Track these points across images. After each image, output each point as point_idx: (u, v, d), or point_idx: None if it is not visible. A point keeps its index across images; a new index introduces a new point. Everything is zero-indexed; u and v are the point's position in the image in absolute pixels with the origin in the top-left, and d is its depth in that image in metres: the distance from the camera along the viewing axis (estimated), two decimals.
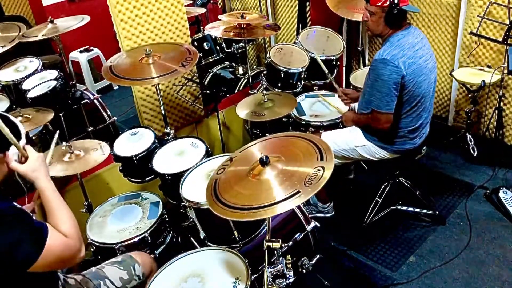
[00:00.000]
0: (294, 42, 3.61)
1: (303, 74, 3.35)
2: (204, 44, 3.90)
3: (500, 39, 3.21)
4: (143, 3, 2.92)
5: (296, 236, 2.30)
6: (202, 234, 2.29)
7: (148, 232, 2.33)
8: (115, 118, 3.31)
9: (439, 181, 3.36)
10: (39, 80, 3.09)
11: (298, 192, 1.56)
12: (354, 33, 4.08)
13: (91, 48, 4.96)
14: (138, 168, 2.66)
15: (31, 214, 1.52)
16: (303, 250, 2.32)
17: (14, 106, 3.03)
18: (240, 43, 3.96)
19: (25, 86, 3.06)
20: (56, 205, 1.57)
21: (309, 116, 3.11)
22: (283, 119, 3.13)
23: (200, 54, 3.72)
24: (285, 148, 1.86)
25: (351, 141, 2.71)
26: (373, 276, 2.67)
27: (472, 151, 3.48)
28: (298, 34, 3.77)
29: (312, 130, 3.00)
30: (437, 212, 2.97)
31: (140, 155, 2.62)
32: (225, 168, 1.89)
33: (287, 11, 4.37)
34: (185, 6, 3.22)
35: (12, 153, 1.52)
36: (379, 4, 2.41)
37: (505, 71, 3.11)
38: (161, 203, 2.51)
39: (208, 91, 3.59)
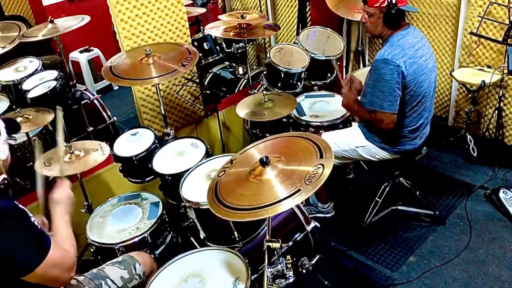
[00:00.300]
0: (294, 42, 3.61)
1: (303, 74, 3.35)
2: (204, 44, 3.90)
3: (500, 39, 3.21)
4: (143, 3, 2.92)
5: (296, 236, 2.29)
6: (202, 234, 2.29)
7: (148, 232, 2.33)
8: (115, 118, 3.31)
9: (439, 181, 3.36)
10: (39, 80, 3.09)
11: (299, 190, 1.56)
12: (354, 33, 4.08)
13: (91, 48, 4.96)
14: (138, 168, 2.66)
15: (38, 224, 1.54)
16: (303, 250, 2.31)
17: (14, 106, 3.04)
18: (240, 43, 3.96)
19: (25, 86, 3.06)
20: (60, 226, 1.69)
21: (309, 116, 3.11)
22: (283, 119, 3.13)
23: (200, 54, 3.72)
24: (285, 147, 1.86)
25: (351, 141, 2.71)
26: (373, 276, 2.67)
27: (472, 151, 3.48)
28: (298, 34, 3.78)
29: (312, 130, 3.00)
30: (437, 212, 2.97)
31: (140, 156, 2.62)
32: (226, 170, 1.89)
33: (287, 11, 4.37)
34: (185, 6, 3.21)
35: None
36: (377, 5, 2.41)
37: (505, 71, 3.11)
38: (161, 203, 2.51)
39: (208, 91, 3.59)
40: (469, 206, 3.09)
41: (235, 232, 2.14)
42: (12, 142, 1.61)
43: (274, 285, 1.72)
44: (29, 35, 3.01)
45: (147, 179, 2.71)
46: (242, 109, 2.99)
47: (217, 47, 4.00)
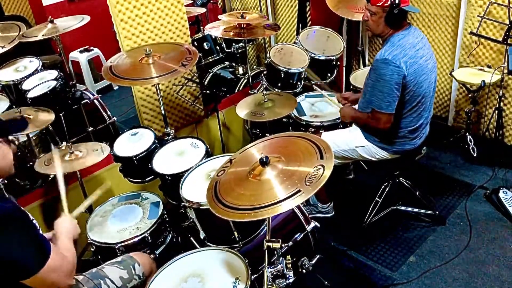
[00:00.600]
0: (294, 42, 3.61)
1: (303, 74, 3.35)
2: (204, 44, 3.90)
3: (500, 39, 3.21)
4: (143, 3, 2.92)
5: (296, 236, 2.29)
6: (202, 234, 2.29)
7: (148, 232, 2.33)
8: (115, 118, 3.31)
9: (439, 181, 3.36)
10: (39, 80, 3.09)
11: (299, 191, 1.56)
12: (354, 33, 4.08)
13: (91, 48, 4.96)
14: (138, 168, 2.66)
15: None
16: (303, 250, 2.31)
17: (14, 106, 3.04)
18: (240, 43, 3.96)
19: (25, 86, 3.06)
20: (62, 237, 1.74)
21: (309, 116, 3.11)
22: (283, 119, 3.13)
23: (200, 54, 3.72)
24: (285, 148, 1.86)
25: (351, 141, 2.71)
26: (373, 276, 2.67)
27: (472, 151, 3.47)
28: (298, 34, 3.77)
29: (312, 130, 3.00)
30: (437, 212, 2.97)
31: (140, 156, 2.62)
32: (225, 169, 1.89)
33: (287, 11, 4.37)
34: (185, 6, 3.22)
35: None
36: (380, 4, 2.41)
37: (505, 71, 3.11)
38: (161, 203, 2.51)
39: (208, 91, 3.59)
40: (469, 206, 3.09)
41: (235, 232, 2.14)
42: (14, 145, 1.61)
43: (274, 285, 1.72)
44: (29, 35, 3.01)
45: (147, 179, 2.71)
46: (242, 109, 2.99)
47: (217, 47, 4.00)
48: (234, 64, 4.13)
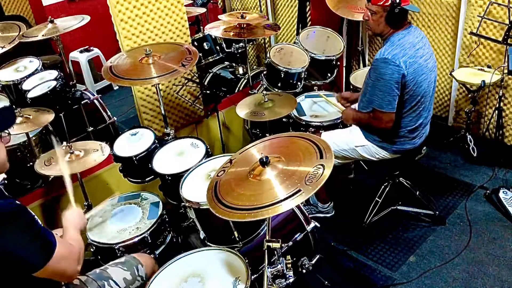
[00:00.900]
0: (294, 42, 3.61)
1: (303, 74, 3.35)
2: (204, 44, 3.90)
3: (500, 39, 3.21)
4: (143, 3, 2.92)
5: (296, 236, 2.29)
6: (202, 234, 2.29)
7: (148, 232, 2.33)
8: (115, 119, 3.31)
9: (439, 181, 3.36)
10: (39, 80, 3.09)
11: (299, 190, 1.56)
12: (354, 33, 4.08)
13: (91, 48, 4.96)
14: (138, 168, 2.66)
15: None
16: (303, 250, 2.31)
17: (14, 106, 3.03)
18: (240, 43, 3.96)
19: (25, 86, 3.06)
20: (69, 228, 1.78)
21: (309, 116, 3.11)
22: (283, 119, 3.13)
23: (200, 54, 3.73)
24: (285, 148, 1.86)
25: (351, 141, 2.71)
26: (373, 276, 2.67)
27: (472, 151, 3.47)
28: (298, 34, 3.77)
29: (312, 130, 3.00)
30: (437, 212, 2.97)
31: (140, 156, 2.62)
32: (225, 170, 1.89)
33: (287, 11, 4.37)
34: (185, 6, 3.22)
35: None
36: (381, 3, 2.40)
37: (505, 71, 3.11)
38: (161, 203, 2.51)
39: (208, 91, 3.59)
40: (469, 206, 3.09)
41: (235, 232, 2.14)
42: (7, 137, 1.59)
43: (274, 285, 1.72)
44: (29, 35, 3.01)
45: (147, 179, 2.71)
46: (242, 109, 2.99)
47: (217, 47, 4.01)
48: (234, 64, 4.13)
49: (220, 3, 4.94)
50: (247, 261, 1.90)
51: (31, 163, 2.73)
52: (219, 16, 3.53)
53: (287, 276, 1.74)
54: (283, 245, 1.92)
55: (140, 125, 3.17)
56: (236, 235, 2.15)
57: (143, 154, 2.63)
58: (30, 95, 2.94)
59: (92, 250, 2.38)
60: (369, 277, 2.67)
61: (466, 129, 3.52)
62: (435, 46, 3.80)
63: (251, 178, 1.72)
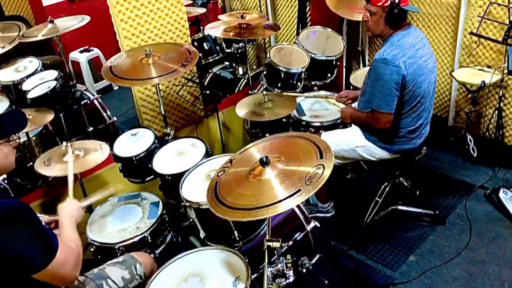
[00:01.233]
0: (294, 42, 3.61)
1: (303, 74, 3.35)
2: (204, 44, 3.90)
3: (500, 39, 3.21)
4: (143, 3, 2.93)
5: (296, 235, 2.29)
6: (202, 234, 2.29)
7: (148, 232, 2.33)
8: (115, 119, 3.30)
9: (439, 181, 3.36)
10: (39, 81, 3.08)
11: (299, 190, 1.56)
12: (354, 33, 4.08)
13: (91, 48, 4.96)
14: (138, 168, 2.66)
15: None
16: (303, 250, 2.31)
17: (14, 106, 3.03)
18: (240, 43, 3.96)
19: (25, 86, 3.06)
20: (66, 226, 1.77)
21: (309, 116, 3.11)
22: (283, 119, 3.13)
23: (200, 54, 3.72)
24: (285, 148, 1.87)
25: (351, 141, 2.71)
26: (373, 275, 2.67)
27: (472, 151, 3.47)
28: (298, 34, 3.78)
29: (312, 130, 3.00)
30: (437, 212, 2.97)
31: (140, 156, 2.63)
32: (225, 170, 1.89)
33: (287, 11, 4.37)
34: (185, 6, 3.22)
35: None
36: (380, 4, 2.40)
37: (505, 71, 3.11)
38: (160, 203, 2.51)
39: (208, 91, 3.59)
40: (469, 206, 3.09)
41: (235, 232, 2.15)
42: (16, 141, 1.62)
43: (274, 284, 1.72)
44: (29, 35, 3.01)
45: (147, 179, 2.71)
46: (242, 109, 2.99)
47: (217, 47, 4.01)
48: (234, 64, 4.13)
49: (220, 3, 4.94)
50: (247, 260, 1.90)
51: (31, 163, 2.73)
52: (219, 16, 3.53)
53: (287, 275, 1.74)
54: (283, 244, 1.91)
55: (140, 125, 3.17)
56: (236, 234, 2.15)
57: (143, 154, 2.63)
58: (30, 95, 2.93)
59: (92, 250, 2.38)
60: (369, 276, 2.67)
61: (466, 129, 3.52)
62: (435, 46, 3.81)
63: (251, 178, 1.72)
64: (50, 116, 2.68)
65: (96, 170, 2.87)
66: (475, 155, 3.46)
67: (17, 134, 1.62)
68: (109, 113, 3.29)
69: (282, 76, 3.27)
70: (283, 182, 1.63)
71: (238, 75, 4.02)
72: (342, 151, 2.73)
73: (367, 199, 2.97)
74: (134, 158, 2.61)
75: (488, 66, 3.41)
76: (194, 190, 2.25)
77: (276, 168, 1.70)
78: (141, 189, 2.76)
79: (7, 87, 3.15)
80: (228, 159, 1.97)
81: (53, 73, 3.15)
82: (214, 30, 3.41)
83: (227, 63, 4.16)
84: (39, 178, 2.84)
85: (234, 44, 3.98)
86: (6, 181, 2.49)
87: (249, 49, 4.75)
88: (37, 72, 3.19)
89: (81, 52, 4.92)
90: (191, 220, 2.33)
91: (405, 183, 2.94)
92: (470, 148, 3.48)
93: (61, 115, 2.95)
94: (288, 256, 1.78)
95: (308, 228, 2.34)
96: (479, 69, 3.39)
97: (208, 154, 2.57)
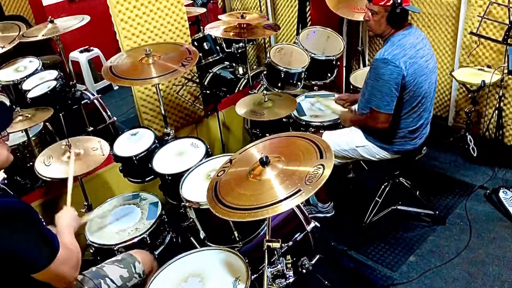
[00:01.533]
0: (294, 42, 3.61)
1: (303, 74, 3.35)
2: (204, 44, 3.90)
3: (500, 39, 3.20)
4: (143, 3, 2.92)
5: (296, 236, 2.29)
6: (202, 234, 2.29)
7: (147, 232, 2.33)
8: (115, 118, 3.31)
9: (439, 181, 3.36)
10: (39, 80, 3.09)
11: (299, 190, 1.56)
12: (354, 33, 4.08)
13: (91, 48, 4.96)
14: (138, 168, 2.66)
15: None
16: (303, 250, 2.31)
17: (14, 106, 3.03)
18: (240, 43, 3.96)
19: (25, 86, 3.06)
20: (63, 230, 1.78)
21: (309, 116, 3.11)
22: (283, 119, 3.13)
23: (200, 54, 3.73)
24: (285, 147, 1.86)
25: (351, 141, 2.71)
26: (373, 276, 2.67)
27: (472, 151, 3.47)
28: (298, 34, 3.77)
29: (313, 130, 3.00)
30: (437, 212, 2.97)
31: (140, 155, 2.62)
32: (225, 169, 1.89)
33: (287, 11, 4.37)
34: (185, 6, 3.22)
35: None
36: (382, 3, 2.40)
37: (505, 71, 3.11)
38: (160, 203, 2.50)
39: (208, 91, 3.59)
40: (469, 206, 3.09)
41: (235, 232, 2.14)
42: (6, 137, 1.60)
43: (274, 285, 1.72)
44: (29, 35, 3.01)
45: (147, 179, 2.71)
46: (241, 108, 2.99)
47: (217, 47, 4.01)
48: (234, 64, 4.13)
49: (220, 3, 4.94)
50: (247, 261, 1.90)
51: (31, 163, 2.73)
52: (219, 16, 3.52)
53: (287, 276, 1.74)
54: (283, 245, 1.93)
55: (140, 125, 3.16)
56: (236, 235, 2.15)
57: (143, 154, 2.63)
58: (30, 95, 2.94)
59: (91, 251, 2.37)
60: (369, 277, 2.67)
61: (466, 129, 3.52)
62: (435, 46, 3.80)
63: (251, 178, 1.72)
64: (49, 113, 2.67)
65: (96, 170, 2.87)
66: (475, 155, 3.46)
67: (6, 131, 1.59)
68: (109, 113, 3.29)
69: (282, 76, 3.27)
70: (283, 182, 1.63)
71: (238, 75, 4.02)
72: (343, 151, 2.73)
73: (367, 199, 2.97)
74: (134, 158, 2.61)
75: (488, 66, 3.41)
76: (194, 190, 2.25)
77: (276, 168, 1.70)
78: (141, 189, 2.76)
79: (7, 87, 3.16)
80: (228, 159, 1.97)
81: (53, 73, 3.15)
82: (214, 30, 3.41)
83: (227, 63, 4.16)
84: (39, 177, 2.83)
85: (234, 44, 3.97)
86: (6, 181, 2.48)
87: (249, 49, 4.75)
88: (37, 72, 3.20)
89: (81, 52, 4.93)
90: (191, 220, 2.33)
91: (405, 183, 2.94)
92: (470, 148, 3.48)
93: (61, 115, 2.95)
94: (288, 257, 1.78)
95: (308, 228, 2.34)
96: (479, 69, 3.39)
97: (208, 154, 2.57)
